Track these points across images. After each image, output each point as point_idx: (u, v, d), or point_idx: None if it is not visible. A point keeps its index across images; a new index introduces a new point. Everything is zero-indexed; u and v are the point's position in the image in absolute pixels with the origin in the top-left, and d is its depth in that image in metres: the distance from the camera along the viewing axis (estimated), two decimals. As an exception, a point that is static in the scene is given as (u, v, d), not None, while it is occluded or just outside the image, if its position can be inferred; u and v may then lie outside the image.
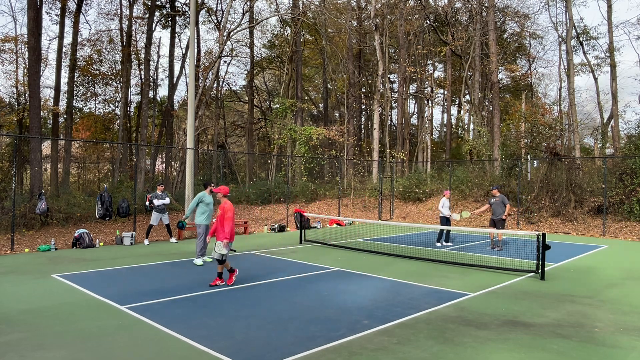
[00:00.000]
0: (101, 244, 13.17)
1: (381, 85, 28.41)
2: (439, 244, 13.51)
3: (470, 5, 28.49)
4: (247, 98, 36.15)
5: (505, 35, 34.89)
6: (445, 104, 39.88)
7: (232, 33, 24.85)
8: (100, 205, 14.48)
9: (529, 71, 36.82)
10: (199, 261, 10.01)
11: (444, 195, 13.51)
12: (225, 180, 30.33)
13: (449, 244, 13.72)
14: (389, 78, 32.94)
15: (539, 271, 8.77)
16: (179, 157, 29.97)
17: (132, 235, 13.30)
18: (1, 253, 11.42)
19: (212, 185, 10.25)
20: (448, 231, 13.90)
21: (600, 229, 16.77)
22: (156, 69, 31.65)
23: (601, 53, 32.43)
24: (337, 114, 39.36)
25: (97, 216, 14.66)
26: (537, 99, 35.69)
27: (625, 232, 16.19)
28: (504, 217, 12.52)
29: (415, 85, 34.89)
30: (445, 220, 13.33)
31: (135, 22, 28.82)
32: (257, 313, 6.24)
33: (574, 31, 28.28)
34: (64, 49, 24.08)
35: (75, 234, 12.67)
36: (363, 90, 35.31)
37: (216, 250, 7.70)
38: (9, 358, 4.59)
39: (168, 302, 6.77)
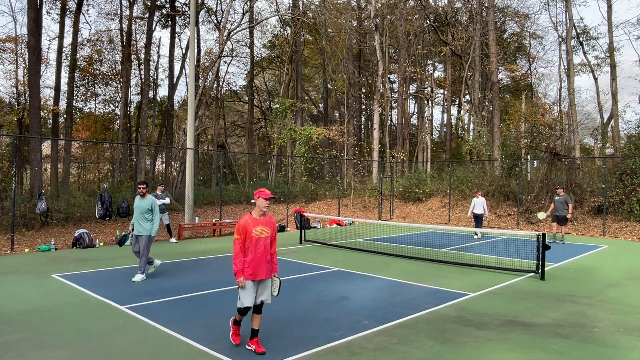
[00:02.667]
0: (101, 244, 13.17)
1: (381, 85, 28.40)
2: (476, 237, 15.09)
3: (470, 5, 28.49)
4: (247, 98, 36.13)
5: (505, 35, 34.89)
6: (445, 104, 39.91)
7: (232, 33, 24.85)
8: (100, 205, 14.47)
9: (529, 71, 36.83)
10: (141, 276, 8.28)
11: (480, 195, 14.84)
12: (226, 181, 30.34)
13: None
14: (389, 78, 32.92)
15: (539, 271, 8.77)
16: (179, 157, 29.96)
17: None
18: (1, 253, 11.42)
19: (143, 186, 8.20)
20: (479, 225, 15.05)
21: (600, 229, 16.76)
22: (156, 69, 31.64)
23: (601, 53, 32.44)
24: (337, 114, 39.34)
25: (97, 216, 14.65)
26: (537, 99, 35.70)
27: (625, 232, 16.19)
28: (568, 216, 13.88)
29: (415, 85, 34.89)
30: (478, 218, 14.86)
31: (135, 22, 28.82)
32: (257, 313, 6.24)
33: (574, 31, 28.26)
34: (64, 49, 24.07)
35: (75, 234, 12.67)
36: (363, 90, 35.31)
37: (274, 291, 4.97)
38: (9, 358, 4.59)
39: (168, 302, 6.77)
